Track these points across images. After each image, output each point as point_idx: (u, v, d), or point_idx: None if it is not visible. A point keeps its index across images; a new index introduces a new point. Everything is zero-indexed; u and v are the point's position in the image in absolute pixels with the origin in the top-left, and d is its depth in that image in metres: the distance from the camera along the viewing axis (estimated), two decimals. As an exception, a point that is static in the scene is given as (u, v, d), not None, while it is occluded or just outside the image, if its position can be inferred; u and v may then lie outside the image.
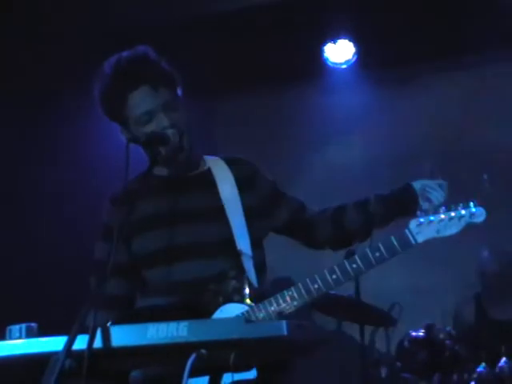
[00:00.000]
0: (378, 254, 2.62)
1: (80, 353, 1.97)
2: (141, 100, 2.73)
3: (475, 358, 4.67)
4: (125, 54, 2.79)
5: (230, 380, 2.18)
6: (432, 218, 2.60)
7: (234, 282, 2.66)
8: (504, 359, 4.57)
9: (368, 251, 2.63)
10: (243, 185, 2.83)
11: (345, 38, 6.13)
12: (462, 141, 6.18)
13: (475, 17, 5.62)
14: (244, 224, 2.76)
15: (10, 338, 2.11)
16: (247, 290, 2.65)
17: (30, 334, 2.11)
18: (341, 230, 2.88)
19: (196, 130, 2.84)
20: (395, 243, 2.62)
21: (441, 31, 5.86)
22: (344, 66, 6.32)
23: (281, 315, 2.53)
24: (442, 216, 2.60)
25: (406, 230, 2.62)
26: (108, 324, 2.23)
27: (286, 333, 1.91)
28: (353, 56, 6.23)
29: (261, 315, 2.57)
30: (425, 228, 2.60)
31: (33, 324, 2.13)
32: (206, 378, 2.26)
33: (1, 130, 5.01)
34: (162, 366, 2.14)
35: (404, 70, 6.43)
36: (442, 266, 5.89)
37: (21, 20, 5.06)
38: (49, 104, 5.24)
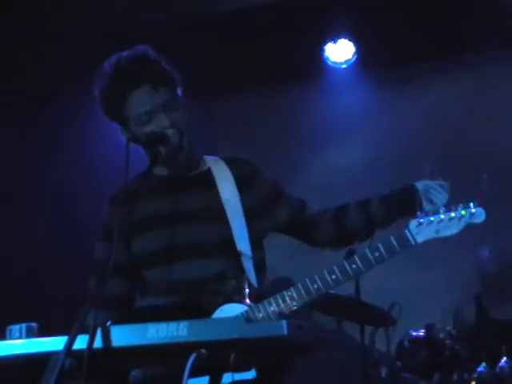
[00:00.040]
0: (377, 254, 2.61)
1: (80, 353, 1.97)
2: (141, 100, 2.72)
3: (475, 357, 4.67)
4: (125, 53, 2.79)
5: (230, 380, 2.18)
6: (432, 218, 2.59)
7: (233, 282, 2.66)
8: (504, 359, 4.57)
9: (367, 251, 2.62)
10: (243, 185, 2.83)
11: (345, 38, 6.13)
12: (462, 141, 6.18)
13: (475, 17, 5.63)
14: (244, 224, 2.76)
15: (10, 338, 2.11)
16: (247, 290, 2.65)
17: (30, 333, 2.11)
18: (342, 229, 2.87)
19: (196, 130, 2.84)
20: (395, 243, 2.62)
21: (441, 31, 5.87)
22: (344, 66, 6.32)
23: (281, 315, 2.53)
24: (442, 216, 2.59)
25: (406, 230, 2.62)
26: (107, 324, 2.23)
27: (286, 333, 1.91)
28: (353, 56, 6.24)
29: (260, 315, 2.57)
30: (424, 228, 2.60)
31: (33, 324, 2.13)
32: (206, 378, 2.26)
33: (1, 130, 5.01)
34: (162, 366, 2.14)
35: (404, 70, 6.43)
36: (442, 265, 5.90)
37: (21, 20, 5.06)
38: (49, 104, 5.25)
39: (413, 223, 2.61)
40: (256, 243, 2.78)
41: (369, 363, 4.74)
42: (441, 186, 2.72)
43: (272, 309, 2.59)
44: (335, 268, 2.61)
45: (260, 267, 2.78)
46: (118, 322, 2.40)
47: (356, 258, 2.62)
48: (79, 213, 5.07)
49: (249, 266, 2.71)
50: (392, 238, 2.62)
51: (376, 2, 5.61)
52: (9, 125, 5.04)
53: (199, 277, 2.68)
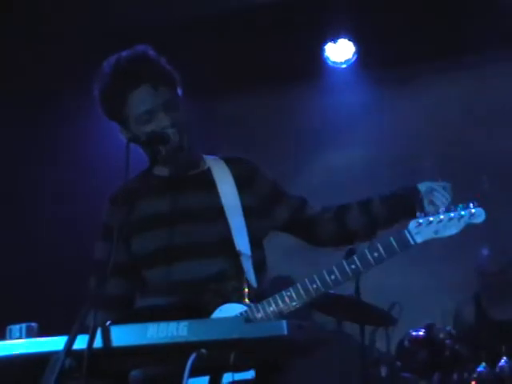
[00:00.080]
0: (376, 255, 2.61)
1: (80, 353, 1.97)
2: (141, 99, 2.72)
3: (475, 357, 4.66)
4: (124, 53, 2.79)
5: (229, 380, 2.18)
6: (431, 218, 2.59)
7: (233, 282, 2.66)
8: (504, 359, 4.57)
9: (366, 251, 2.62)
10: (242, 184, 2.83)
11: (345, 38, 6.13)
12: (462, 141, 6.18)
13: (475, 17, 5.63)
14: (243, 224, 2.76)
15: (10, 338, 2.11)
16: (246, 290, 2.65)
17: (30, 333, 2.11)
18: (343, 228, 2.87)
19: (196, 130, 2.84)
20: (394, 243, 2.61)
21: (441, 31, 5.87)
22: (344, 66, 6.32)
23: (281, 316, 2.53)
24: (441, 217, 2.59)
25: (405, 231, 2.61)
26: (107, 324, 2.23)
27: (286, 333, 1.91)
28: (353, 56, 6.24)
29: (259, 315, 2.57)
30: (424, 228, 2.60)
31: (33, 324, 2.13)
32: (206, 378, 2.26)
33: (1, 130, 5.01)
34: (161, 366, 2.14)
35: (404, 70, 6.43)
36: (442, 265, 5.89)
37: (21, 20, 5.07)
38: (49, 104, 5.25)
39: (412, 223, 2.61)
40: (256, 243, 2.78)
41: (369, 363, 4.74)
42: (443, 188, 2.71)
43: (271, 309, 2.59)
44: (334, 268, 2.61)
45: (260, 267, 2.78)
46: (117, 321, 2.40)
47: (355, 258, 2.62)
48: (79, 213, 5.07)
49: (248, 265, 2.71)
50: (391, 239, 2.62)
51: (376, 1, 5.62)
52: (9, 125, 5.04)
53: (199, 276, 2.68)
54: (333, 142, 6.58)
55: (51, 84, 5.14)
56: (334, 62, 6.30)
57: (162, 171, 2.84)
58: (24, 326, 2.12)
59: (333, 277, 2.60)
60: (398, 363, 4.82)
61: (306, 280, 2.61)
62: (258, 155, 3.01)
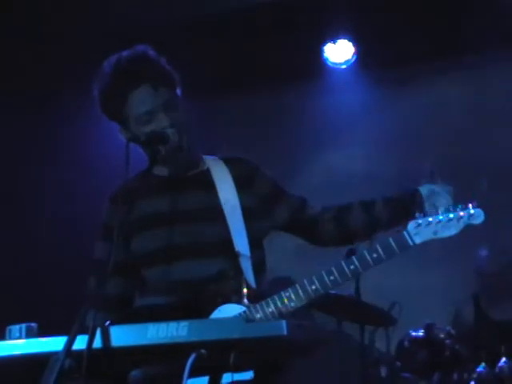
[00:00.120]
0: (375, 255, 2.61)
1: (79, 353, 1.98)
2: (141, 99, 2.73)
3: (475, 357, 4.66)
4: (124, 53, 2.79)
5: (229, 380, 2.18)
6: (430, 219, 2.59)
7: (232, 283, 2.66)
8: (504, 359, 4.57)
9: (365, 252, 2.62)
10: (242, 184, 2.83)
11: (344, 38, 6.13)
12: (462, 141, 6.17)
13: (475, 17, 5.63)
14: (242, 224, 2.76)
15: (10, 338, 2.11)
16: (245, 291, 2.65)
17: (29, 334, 2.11)
18: (344, 228, 2.86)
19: (196, 130, 2.84)
20: (393, 244, 2.61)
21: (441, 31, 5.87)
22: (344, 66, 6.32)
23: (280, 316, 2.53)
24: (441, 217, 2.58)
25: (404, 231, 2.61)
26: (106, 324, 2.23)
27: (285, 333, 1.91)
28: (352, 56, 6.24)
29: (258, 316, 2.57)
30: (423, 229, 2.59)
31: (33, 324, 2.13)
32: (206, 378, 2.26)
33: (1, 130, 5.01)
34: (161, 366, 2.14)
35: (404, 69, 6.43)
36: (442, 265, 5.89)
37: (21, 20, 5.07)
38: (49, 104, 5.26)
39: (411, 224, 2.60)
40: (255, 243, 2.79)
41: (369, 363, 4.73)
42: (446, 192, 2.70)
43: (270, 310, 2.59)
44: (333, 269, 2.61)
45: (259, 267, 2.78)
46: (116, 321, 2.40)
47: (354, 258, 2.62)
48: (79, 213, 5.07)
49: (247, 266, 2.71)
50: (390, 239, 2.62)
51: (376, 2, 5.61)
52: (9, 125, 5.04)
53: (198, 276, 2.68)
54: (333, 141, 6.57)
55: (51, 84, 5.14)
56: (333, 63, 6.30)
57: (161, 171, 2.84)
58: (24, 326, 2.12)
59: (332, 278, 2.60)
60: (398, 363, 4.82)
61: (305, 281, 2.61)
62: (258, 155, 3.01)
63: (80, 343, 1.99)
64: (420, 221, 2.59)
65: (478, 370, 4.53)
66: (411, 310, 4.76)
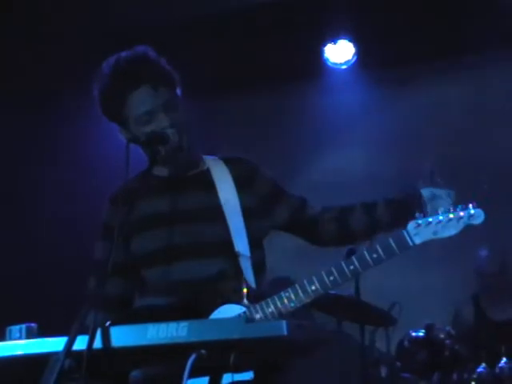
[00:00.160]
0: (375, 256, 2.61)
1: (80, 353, 1.98)
2: (141, 100, 2.73)
3: (475, 358, 4.66)
4: (124, 53, 2.79)
5: (229, 380, 2.18)
6: (430, 219, 2.58)
7: (232, 283, 2.67)
8: (504, 359, 4.57)
9: (365, 252, 2.62)
10: (242, 184, 2.83)
11: (345, 39, 6.13)
12: (462, 141, 6.17)
13: (475, 17, 5.63)
14: (242, 225, 2.76)
15: (10, 339, 2.11)
16: (245, 291, 2.65)
17: (29, 334, 2.11)
18: (345, 228, 2.86)
19: (196, 130, 2.84)
20: (393, 244, 2.61)
21: (441, 31, 5.87)
22: (344, 67, 6.32)
23: (279, 316, 2.53)
24: (440, 217, 2.58)
25: (404, 232, 2.60)
26: (106, 324, 2.23)
27: (285, 333, 1.91)
28: (353, 56, 6.23)
29: (258, 316, 2.57)
30: (423, 229, 2.59)
31: (33, 324, 2.13)
32: (206, 378, 2.26)
33: (1, 130, 5.01)
34: (162, 366, 2.14)
35: (404, 69, 6.43)
36: (442, 265, 5.89)
37: (21, 20, 5.07)
38: (49, 104, 5.26)
39: (411, 224, 2.60)
40: (255, 243, 2.79)
41: (369, 363, 4.73)
42: (448, 195, 2.70)
43: (270, 310, 2.59)
44: (333, 269, 2.61)
45: (259, 267, 2.78)
46: (116, 321, 2.40)
47: (354, 259, 2.62)
48: (79, 213, 5.07)
49: (247, 266, 2.71)
50: (390, 240, 2.61)
51: (376, 2, 5.61)
52: (9, 125, 5.04)
53: (198, 277, 2.68)
54: (333, 141, 6.58)
55: (51, 84, 5.14)
56: (333, 63, 6.30)
57: (161, 171, 2.84)
58: (24, 326, 2.12)
59: (331, 278, 2.60)
60: (398, 363, 4.82)
61: (305, 281, 2.61)
62: (258, 155, 3.01)
63: (80, 343, 1.99)
64: (420, 221, 2.59)
65: (478, 370, 4.53)
66: (411, 310, 4.76)
